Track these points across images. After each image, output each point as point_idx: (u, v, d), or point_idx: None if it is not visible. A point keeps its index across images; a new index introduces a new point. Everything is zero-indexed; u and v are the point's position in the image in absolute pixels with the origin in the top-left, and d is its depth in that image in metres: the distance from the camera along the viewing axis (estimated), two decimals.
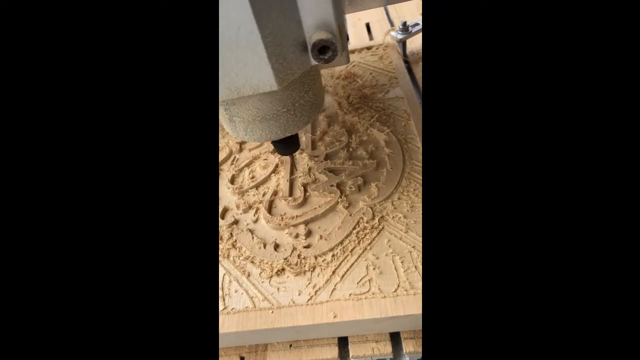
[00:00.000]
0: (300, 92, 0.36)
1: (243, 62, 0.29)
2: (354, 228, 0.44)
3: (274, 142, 0.42)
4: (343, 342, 0.39)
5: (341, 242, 0.43)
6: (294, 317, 0.38)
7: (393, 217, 0.44)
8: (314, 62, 0.31)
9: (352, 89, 0.62)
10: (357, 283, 0.39)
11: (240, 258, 0.43)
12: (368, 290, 0.38)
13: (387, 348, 0.37)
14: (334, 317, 0.37)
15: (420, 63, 0.65)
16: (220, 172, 0.53)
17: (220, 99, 0.32)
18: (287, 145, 0.42)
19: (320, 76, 0.40)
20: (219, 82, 0.31)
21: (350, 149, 0.52)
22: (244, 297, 0.40)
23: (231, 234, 0.46)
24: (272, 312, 0.38)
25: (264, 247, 0.44)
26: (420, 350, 0.37)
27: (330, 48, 0.29)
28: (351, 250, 0.42)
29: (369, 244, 0.42)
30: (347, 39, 0.32)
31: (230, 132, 0.40)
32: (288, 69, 0.31)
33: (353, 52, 0.70)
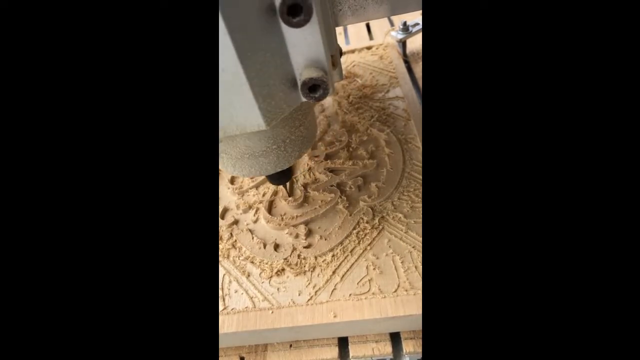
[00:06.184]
0: (291, 128, 0.34)
1: (228, 102, 0.27)
2: (354, 228, 0.44)
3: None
4: (343, 342, 0.39)
5: (341, 242, 0.43)
6: (293, 317, 0.38)
7: (393, 217, 0.44)
8: (304, 99, 0.29)
9: (352, 88, 0.62)
10: (357, 283, 0.39)
11: (240, 258, 0.43)
12: (368, 291, 0.38)
13: (387, 348, 0.37)
14: (334, 317, 0.37)
15: (420, 63, 0.65)
16: (220, 172, 0.53)
17: None
18: (278, 177, 0.41)
19: (313, 109, 0.38)
20: None
21: (350, 149, 0.52)
22: (244, 297, 0.40)
23: (231, 234, 0.46)
24: (272, 312, 0.38)
25: (264, 247, 0.44)
26: (420, 350, 0.37)
27: (320, 87, 0.27)
28: (351, 250, 0.42)
29: (369, 244, 0.42)
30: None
31: (219, 166, 0.38)
32: (277, 107, 0.28)
33: (353, 51, 0.70)
